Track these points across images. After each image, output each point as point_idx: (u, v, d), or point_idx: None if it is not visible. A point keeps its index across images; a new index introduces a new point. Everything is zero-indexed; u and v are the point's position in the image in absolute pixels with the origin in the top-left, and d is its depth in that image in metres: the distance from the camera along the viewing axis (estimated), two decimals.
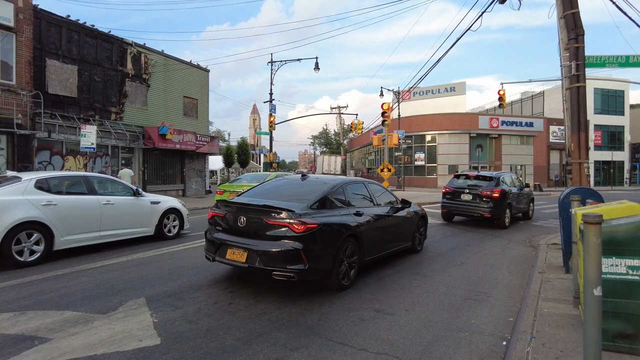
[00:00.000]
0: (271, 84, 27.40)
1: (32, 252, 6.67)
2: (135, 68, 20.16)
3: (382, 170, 22.48)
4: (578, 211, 4.44)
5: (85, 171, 16.34)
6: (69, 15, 17.02)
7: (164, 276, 5.99)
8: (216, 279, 5.83)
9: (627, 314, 3.34)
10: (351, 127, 34.77)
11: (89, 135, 14.60)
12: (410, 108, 41.87)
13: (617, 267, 3.36)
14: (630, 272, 3.31)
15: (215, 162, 44.93)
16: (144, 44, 20.76)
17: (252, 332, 3.99)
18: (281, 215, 5.05)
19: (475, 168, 33.72)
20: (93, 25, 18.13)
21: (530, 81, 25.90)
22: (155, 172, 21.60)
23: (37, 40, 15.37)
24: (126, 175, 15.84)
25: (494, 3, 10.97)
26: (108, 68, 18.70)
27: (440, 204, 13.13)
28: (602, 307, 3.18)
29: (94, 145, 14.87)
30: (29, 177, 7.06)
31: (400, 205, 7.46)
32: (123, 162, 19.72)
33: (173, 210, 9.42)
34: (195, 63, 24.51)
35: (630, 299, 3.32)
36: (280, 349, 3.64)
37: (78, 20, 17.49)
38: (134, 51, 20.06)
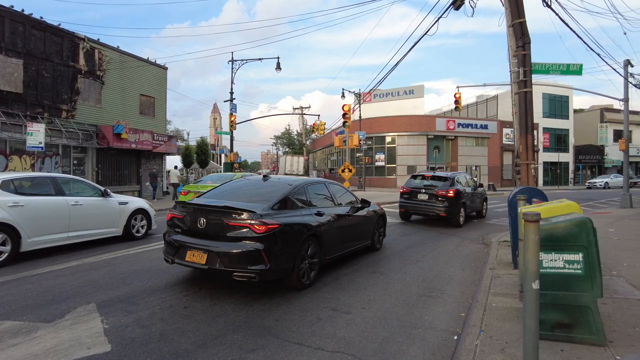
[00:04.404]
0: (232, 82, 27.07)
1: None
2: (89, 64, 19.25)
3: (343, 171, 22.72)
4: (523, 210, 4.69)
5: (33, 171, 15.46)
6: (12, 6, 15.99)
7: (117, 280, 5.77)
8: (172, 283, 5.69)
9: (565, 305, 3.58)
10: (313, 127, 34.83)
11: (36, 134, 13.82)
12: (371, 110, 42.53)
13: (555, 261, 3.58)
14: (567, 265, 3.55)
15: (174, 163, 43.74)
16: (98, 39, 19.87)
17: (208, 335, 3.93)
18: (242, 216, 5.01)
19: (433, 169, 34.74)
20: (41, 17, 17.16)
21: (485, 85, 26.97)
22: (110, 172, 20.74)
23: None
24: (174, 175, 21.53)
25: (449, 9, 11.38)
26: (58, 63, 17.73)
27: (398, 204, 13.45)
28: (543, 300, 3.39)
29: (42, 145, 14.09)
30: None
31: (360, 205, 7.60)
32: (75, 162, 18.82)
33: (141, 211, 9.46)
34: (153, 60, 23.76)
35: (568, 291, 3.56)
36: (237, 351, 3.61)
37: (23, 10, 16.47)
38: (87, 46, 19.16)
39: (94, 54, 19.60)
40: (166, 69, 24.86)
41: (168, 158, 28.64)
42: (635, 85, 19.51)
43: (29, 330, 3.98)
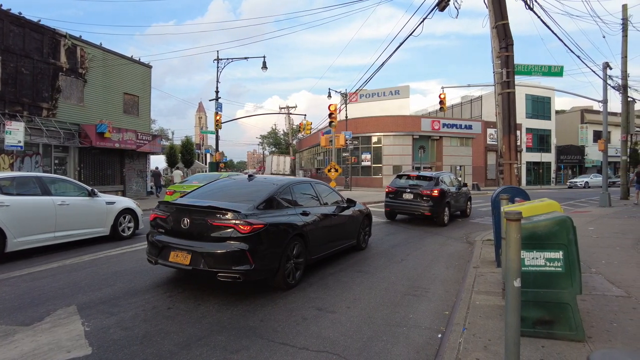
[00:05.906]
0: (217, 81, 26.85)
1: None
2: (70, 62, 18.86)
3: (329, 171, 22.74)
4: (506, 209, 4.75)
5: (12, 171, 15.09)
6: None
7: (99, 282, 5.67)
8: (155, 284, 5.61)
9: (546, 302, 3.64)
10: (300, 127, 34.77)
11: (15, 133, 13.50)
12: (357, 110, 42.64)
13: (537, 259, 3.64)
14: (548, 264, 3.61)
15: (158, 162, 43.17)
16: (80, 36, 19.50)
17: (192, 336, 3.89)
18: (227, 216, 4.97)
19: (418, 168, 34.99)
20: (20, 13, 16.75)
21: (469, 86, 27.36)
22: (93, 172, 20.39)
23: None
24: (177, 175, 23.11)
25: (434, 10, 11.49)
26: (38, 60, 17.33)
27: (383, 203, 13.53)
28: (524, 297, 3.45)
29: (22, 144, 13.76)
30: None
31: (345, 205, 7.60)
32: (56, 161, 18.43)
33: (128, 211, 9.44)
34: (137, 58, 23.40)
35: (549, 288, 3.62)
36: (221, 352, 3.58)
37: (1, 5, 16.02)
38: (69, 43, 18.77)
39: (76, 51, 19.21)
40: (150, 67, 24.53)
41: (153, 158, 28.28)
42: (613, 87, 19.99)
43: (5, 334, 3.87)
